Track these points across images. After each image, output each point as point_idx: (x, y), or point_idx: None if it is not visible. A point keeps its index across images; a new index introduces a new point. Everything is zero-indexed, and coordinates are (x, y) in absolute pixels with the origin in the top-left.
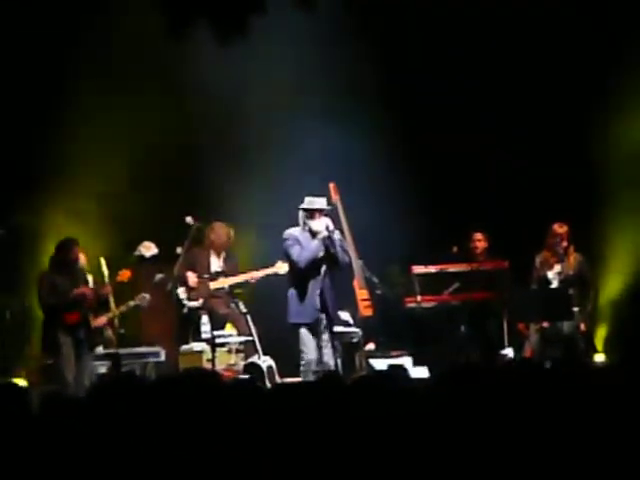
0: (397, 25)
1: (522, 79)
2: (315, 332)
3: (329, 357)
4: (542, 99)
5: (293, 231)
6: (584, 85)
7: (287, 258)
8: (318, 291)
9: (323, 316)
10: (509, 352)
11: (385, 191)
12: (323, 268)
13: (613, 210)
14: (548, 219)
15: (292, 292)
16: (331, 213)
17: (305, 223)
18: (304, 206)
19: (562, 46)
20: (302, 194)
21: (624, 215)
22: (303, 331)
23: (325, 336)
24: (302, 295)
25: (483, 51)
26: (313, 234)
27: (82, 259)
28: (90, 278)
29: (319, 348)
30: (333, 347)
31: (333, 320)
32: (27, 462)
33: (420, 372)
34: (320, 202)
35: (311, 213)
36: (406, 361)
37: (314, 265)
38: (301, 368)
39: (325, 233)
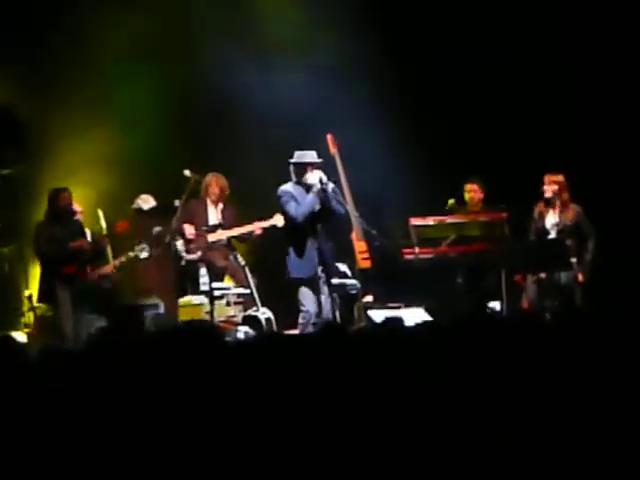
0: None
1: (517, 24)
2: (314, 286)
3: (328, 310)
4: (538, 46)
5: (286, 187)
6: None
7: (284, 215)
8: (316, 245)
9: (321, 269)
10: (496, 305)
11: (382, 143)
12: (319, 221)
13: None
14: (547, 169)
15: (291, 248)
16: (325, 165)
17: (297, 177)
18: (294, 160)
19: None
20: (301, 147)
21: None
22: (302, 286)
23: (325, 290)
24: (300, 250)
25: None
26: (307, 188)
27: (79, 211)
28: (88, 231)
29: (319, 302)
30: (332, 299)
31: (331, 273)
32: (25, 414)
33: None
34: (310, 155)
35: (303, 167)
36: (418, 312)
37: (311, 219)
38: (300, 321)
39: (319, 186)
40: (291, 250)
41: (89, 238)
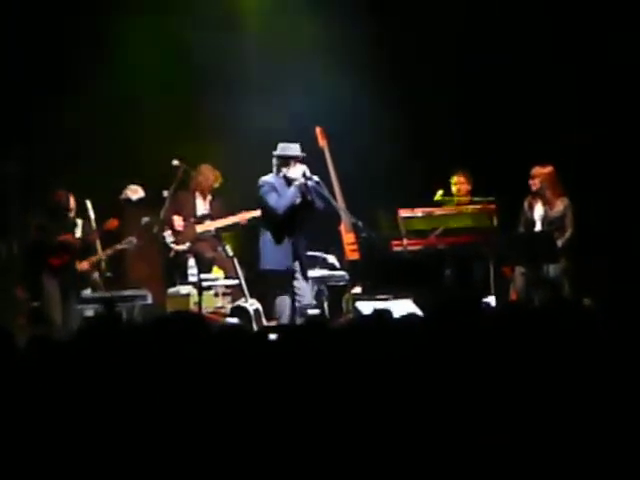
0: None
1: (506, 17)
2: (288, 280)
3: (307, 301)
4: (529, 40)
5: (268, 178)
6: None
7: (263, 205)
8: (292, 239)
9: (296, 264)
10: (491, 300)
11: (371, 134)
12: (299, 215)
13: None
14: (537, 161)
15: (265, 239)
16: (312, 158)
17: (279, 170)
18: (278, 153)
19: None
20: (289, 138)
21: None
22: (275, 278)
23: (299, 283)
24: (276, 242)
25: None
26: (289, 181)
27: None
28: (79, 222)
29: (293, 295)
30: (315, 290)
31: (305, 266)
32: (13, 403)
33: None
34: (294, 148)
35: (286, 160)
36: (406, 304)
37: (291, 212)
38: (276, 314)
39: (302, 180)
40: (265, 242)
41: (80, 230)
